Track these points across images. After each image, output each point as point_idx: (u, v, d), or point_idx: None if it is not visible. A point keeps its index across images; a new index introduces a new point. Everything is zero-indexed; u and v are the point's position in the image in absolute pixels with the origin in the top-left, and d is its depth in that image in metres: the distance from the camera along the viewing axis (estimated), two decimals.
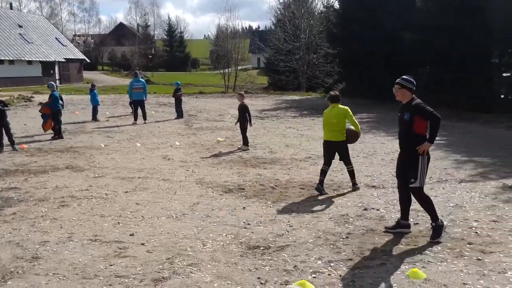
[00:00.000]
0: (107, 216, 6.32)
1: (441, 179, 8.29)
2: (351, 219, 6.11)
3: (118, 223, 6.04)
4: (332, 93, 7.81)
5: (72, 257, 4.90)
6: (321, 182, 7.45)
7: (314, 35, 35.87)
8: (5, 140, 11.53)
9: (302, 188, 7.77)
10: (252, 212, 6.49)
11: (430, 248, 5.03)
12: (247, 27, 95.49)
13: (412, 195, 5.45)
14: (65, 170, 9.25)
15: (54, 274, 4.48)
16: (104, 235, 5.59)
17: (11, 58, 42.07)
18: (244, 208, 6.70)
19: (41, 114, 14.00)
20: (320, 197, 7.23)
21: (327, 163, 7.61)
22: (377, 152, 11.06)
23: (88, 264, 4.71)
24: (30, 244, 5.27)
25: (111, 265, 4.69)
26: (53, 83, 14.82)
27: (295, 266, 4.66)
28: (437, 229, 5.29)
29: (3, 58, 41.18)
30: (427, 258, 4.77)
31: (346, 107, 7.53)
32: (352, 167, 7.70)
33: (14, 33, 45.75)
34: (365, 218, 6.13)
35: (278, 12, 44.90)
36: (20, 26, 48.02)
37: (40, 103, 15.20)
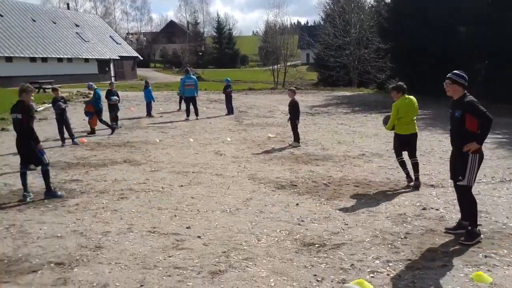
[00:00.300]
0: (164, 209, 6.48)
1: (505, 179, 7.89)
2: (409, 219, 5.93)
3: (175, 216, 6.18)
4: (401, 83, 7.64)
5: (132, 248, 5.06)
6: (408, 174, 7.50)
7: (365, 29, 35.14)
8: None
9: (357, 186, 7.63)
10: (306, 209, 6.45)
11: (495, 251, 4.80)
12: (295, 22, 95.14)
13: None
14: (123, 164, 9.57)
15: (116, 264, 4.65)
16: (162, 227, 5.73)
17: (69, 56, 44.05)
18: (297, 204, 6.67)
19: (84, 112, 14.51)
20: (375, 196, 7.07)
21: (401, 154, 7.57)
22: (434, 150, 10.69)
23: (148, 255, 4.86)
24: (93, 234, 5.49)
25: (169, 257, 4.81)
26: (92, 83, 15.40)
27: (352, 264, 4.59)
28: (472, 235, 5.06)
29: (62, 56, 43.19)
30: (492, 262, 4.55)
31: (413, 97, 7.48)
32: (417, 159, 7.54)
33: (71, 32, 47.87)
34: (424, 218, 5.94)
35: (327, 7, 44.39)
36: (77, 25, 50.17)
37: (85, 102, 15.87)
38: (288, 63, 44.07)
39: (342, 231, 5.54)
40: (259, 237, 5.39)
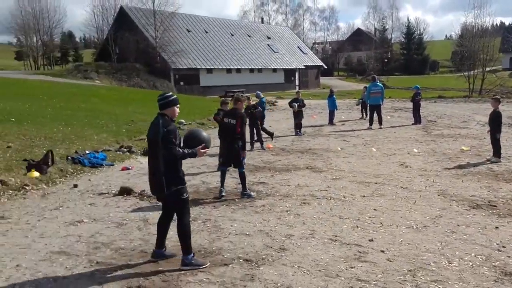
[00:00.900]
0: (346, 218, 6.40)
1: None
2: None
3: (357, 226, 6.05)
4: None
5: (314, 254, 5.11)
6: None
7: None
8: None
9: None
10: (508, 234, 5.63)
11: None
12: (498, 23, 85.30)
13: None
14: (305, 170, 9.82)
15: (299, 267, 4.74)
16: (344, 236, 5.66)
17: (260, 67, 47.64)
18: (496, 227, 5.88)
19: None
20: None
21: None
22: None
23: (330, 263, 4.83)
24: (277, 236, 5.73)
25: (351, 267, 4.70)
26: (259, 92, 16.12)
27: None
28: None
29: (254, 67, 46.91)
30: None
31: None
32: None
33: (263, 44, 51.69)
34: None
35: None
36: (269, 38, 53.94)
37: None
38: (487, 69, 39.71)
39: None
40: (450, 259, 4.89)
